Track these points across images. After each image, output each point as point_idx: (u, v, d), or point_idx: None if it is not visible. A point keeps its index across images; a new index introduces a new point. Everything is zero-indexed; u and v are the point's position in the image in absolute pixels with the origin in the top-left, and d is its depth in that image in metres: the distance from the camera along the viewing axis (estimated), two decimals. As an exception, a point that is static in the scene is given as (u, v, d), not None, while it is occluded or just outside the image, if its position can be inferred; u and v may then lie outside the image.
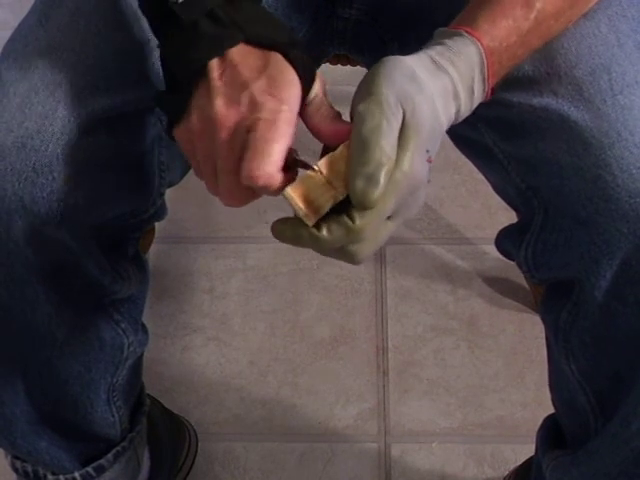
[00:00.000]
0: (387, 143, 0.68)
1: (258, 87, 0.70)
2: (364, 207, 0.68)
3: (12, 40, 0.87)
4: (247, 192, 0.71)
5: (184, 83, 0.73)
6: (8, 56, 0.85)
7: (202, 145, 0.72)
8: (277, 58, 0.72)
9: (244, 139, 0.70)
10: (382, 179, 0.68)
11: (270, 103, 0.70)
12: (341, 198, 0.69)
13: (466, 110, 0.76)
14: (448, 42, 0.75)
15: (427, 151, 0.72)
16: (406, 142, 0.70)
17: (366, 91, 0.71)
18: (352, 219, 0.68)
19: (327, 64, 1.13)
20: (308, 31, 0.98)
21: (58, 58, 0.82)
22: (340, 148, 0.70)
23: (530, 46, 0.79)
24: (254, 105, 0.70)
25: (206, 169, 0.73)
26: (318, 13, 0.98)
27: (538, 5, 0.77)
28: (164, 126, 0.75)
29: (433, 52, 0.75)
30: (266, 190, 0.70)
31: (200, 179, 0.75)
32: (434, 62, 0.74)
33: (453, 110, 0.74)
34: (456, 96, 0.74)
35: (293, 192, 0.69)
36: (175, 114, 0.73)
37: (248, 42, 0.72)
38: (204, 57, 0.72)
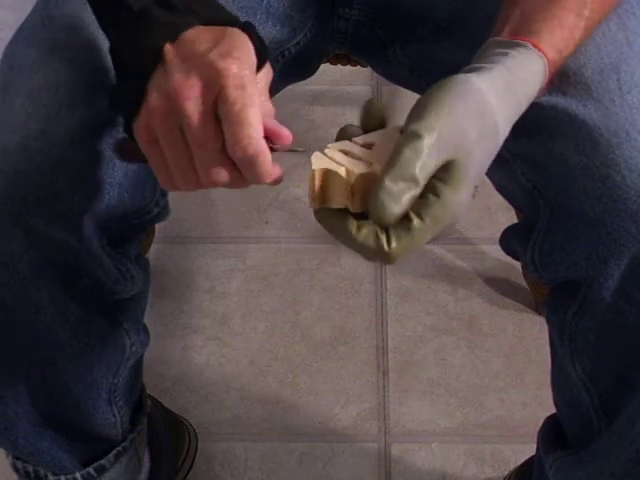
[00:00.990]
0: (422, 169, 0.66)
1: (216, 53, 0.69)
2: (380, 222, 0.66)
3: (14, 41, 0.87)
4: (228, 165, 0.70)
5: (139, 72, 0.71)
6: (11, 57, 0.85)
7: (166, 128, 0.70)
8: (233, 30, 0.71)
9: (216, 109, 0.68)
10: (405, 201, 0.66)
11: (233, 67, 0.68)
12: (351, 210, 0.68)
13: None
14: (517, 55, 0.73)
15: (475, 187, 0.70)
16: (453, 180, 0.68)
17: (420, 114, 0.68)
18: (389, 241, 0.67)
19: (327, 64, 1.13)
20: (309, 30, 0.98)
21: (61, 59, 0.82)
22: (375, 168, 0.68)
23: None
24: (216, 71, 0.68)
25: (174, 156, 0.70)
26: (319, 13, 0.98)
27: (586, 13, 0.76)
28: (123, 126, 0.73)
29: (505, 70, 0.72)
30: (257, 160, 0.67)
31: (166, 187, 0.73)
32: (506, 82, 0.71)
33: (510, 127, 0.73)
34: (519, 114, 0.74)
35: (318, 165, 0.68)
36: (131, 106, 0.71)
37: (203, 25, 0.71)
38: (158, 42, 0.70)
